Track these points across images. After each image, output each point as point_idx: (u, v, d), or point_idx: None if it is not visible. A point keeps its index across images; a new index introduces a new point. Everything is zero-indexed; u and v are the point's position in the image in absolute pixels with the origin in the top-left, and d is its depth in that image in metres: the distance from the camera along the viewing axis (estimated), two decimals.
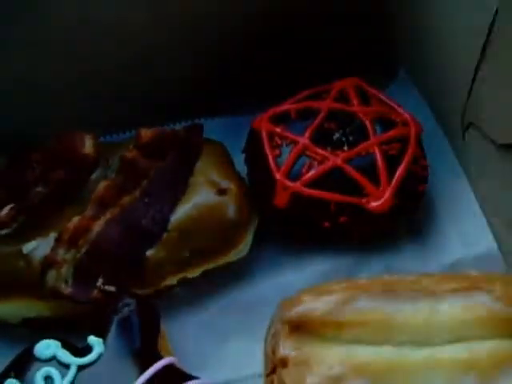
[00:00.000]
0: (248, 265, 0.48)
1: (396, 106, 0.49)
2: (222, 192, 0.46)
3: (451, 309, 0.41)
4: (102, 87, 0.49)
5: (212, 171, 0.47)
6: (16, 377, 0.39)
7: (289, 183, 0.45)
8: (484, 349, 0.40)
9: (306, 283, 0.45)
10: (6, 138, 0.46)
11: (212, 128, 0.51)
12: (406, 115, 0.49)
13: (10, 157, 0.47)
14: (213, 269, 0.46)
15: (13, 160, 0.46)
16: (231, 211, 0.46)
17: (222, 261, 0.46)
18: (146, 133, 0.46)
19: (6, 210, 0.43)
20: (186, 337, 0.45)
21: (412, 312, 0.41)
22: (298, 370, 0.40)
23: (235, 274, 0.48)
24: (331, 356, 0.40)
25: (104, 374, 0.40)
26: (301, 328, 0.41)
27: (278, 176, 0.46)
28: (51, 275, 0.43)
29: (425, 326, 0.41)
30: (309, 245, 0.48)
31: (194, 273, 0.46)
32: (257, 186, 0.48)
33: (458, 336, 0.40)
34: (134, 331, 0.42)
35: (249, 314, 0.46)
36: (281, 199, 0.46)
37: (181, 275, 0.45)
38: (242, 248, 0.47)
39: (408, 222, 0.49)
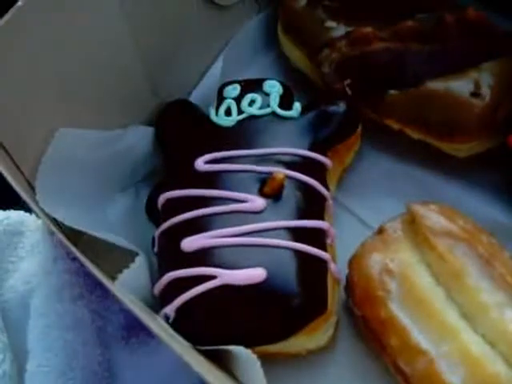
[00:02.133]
0: None
1: None
2: (475, 95, 0.48)
3: None
4: None
5: (490, 76, 0.49)
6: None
7: None
8: None
9: None
10: None
11: None
12: None
13: None
14: None
15: None
16: (467, 115, 0.48)
17: (437, 144, 0.50)
18: (472, 11, 0.50)
19: None
20: None
21: (486, 295, 0.41)
22: (375, 240, 0.45)
23: None
24: (402, 256, 0.44)
25: (266, 131, 0.49)
26: (414, 222, 0.45)
27: None
28: (325, 53, 0.52)
29: (481, 314, 0.41)
30: None
31: (413, 134, 0.51)
32: None
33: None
34: (324, 126, 0.49)
35: None
36: None
37: (401, 127, 0.51)
38: (460, 148, 0.50)
39: None
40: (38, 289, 0.45)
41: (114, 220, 0.50)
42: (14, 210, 0.47)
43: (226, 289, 0.42)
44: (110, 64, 0.47)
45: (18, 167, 0.41)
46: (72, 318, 0.44)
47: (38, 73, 0.42)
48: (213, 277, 0.42)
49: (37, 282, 0.45)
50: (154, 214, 0.50)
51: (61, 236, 0.39)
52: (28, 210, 0.48)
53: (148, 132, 0.51)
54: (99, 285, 0.46)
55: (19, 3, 0.38)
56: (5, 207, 0.47)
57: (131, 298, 0.40)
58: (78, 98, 0.46)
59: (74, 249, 0.38)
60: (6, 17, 0.38)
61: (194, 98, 0.55)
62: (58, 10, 0.42)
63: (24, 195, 0.38)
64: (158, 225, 0.49)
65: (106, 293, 0.46)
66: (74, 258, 0.46)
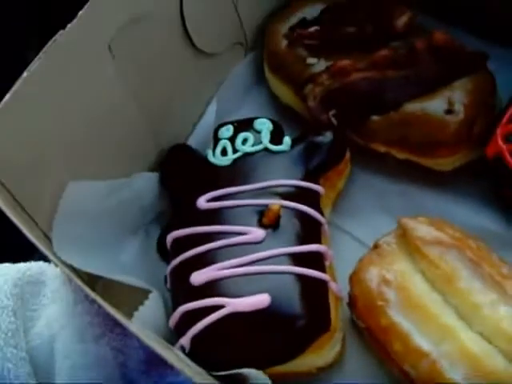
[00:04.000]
0: None
1: None
2: (449, 112, 0.52)
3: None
4: None
5: (462, 93, 0.52)
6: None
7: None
8: None
9: None
10: None
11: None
12: None
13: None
14: None
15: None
16: (444, 132, 0.52)
17: (421, 161, 0.54)
18: (440, 36, 0.53)
19: (314, 28, 0.57)
20: None
21: (478, 295, 0.44)
22: (372, 254, 0.48)
23: None
24: (398, 267, 0.46)
25: (261, 166, 0.52)
26: (405, 235, 0.48)
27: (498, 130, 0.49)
28: (309, 87, 0.55)
29: (476, 313, 0.43)
30: None
31: (398, 155, 0.54)
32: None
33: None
34: (314, 156, 0.52)
35: None
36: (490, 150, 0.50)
37: (387, 149, 0.54)
38: (443, 163, 0.53)
39: None
40: (60, 332, 0.47)
41: (127, 262, 0.53)
42: (34, 260, 0.51)
43: (235, 316, 0.45)
44: (114, 119, 0.51)
45: (33, 219, 0.45)
46: (95, 357, 0.47)
47: (49, 131, 0.46)
48: (221, 306, 0.45)
49: (59, 326, 0.48)
50: (166, 252, 0.53)
51: (78, 281, 0.42)
52: (47, 259, 0.51)
53: (153, 177, 0.55)
54: (119, 323, 0.49)
55: (24, 74, 0.42)
56: (25, 259, 0.51)
57: (147, 333, 0.43)
58: (88, 154, 0.49)
59: (90, 292, 0.41)
60: (21, 79, 0.42)
61: (192, 141, 0.58)
62: (63, 74, 0.46)
63: (41, 247, 0.41)
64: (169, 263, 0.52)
65: (125, 330, 0.49)
66: (93, 301, 0.49)
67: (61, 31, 0.44)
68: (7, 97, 0.42)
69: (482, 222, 0.52)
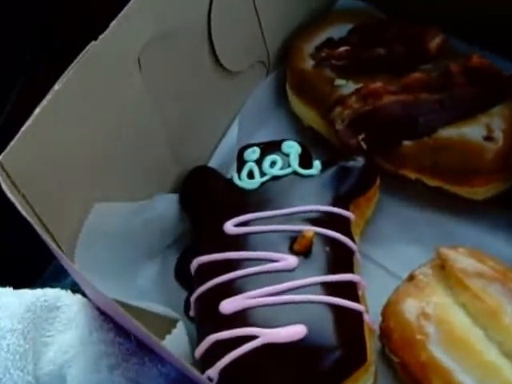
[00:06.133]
0: None
1: None
2: (488, 139, 0.50)
3: None
4: None
5: (500, 120, 0.51)
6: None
7: None
8: None
9: None
10: None
11: None
12: None
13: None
14: None
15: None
16: (482, 159, 0.50)
17: (454, 189, 0.52)
18: (477, 59, 0.52)
19: (343, 48, 0.56)
20: None
21: None
22: (408, 286, 0.46)
23: None
24: (437, 300, 0.45)
25: (290, 190, 0.50)
26: (444, 266, 0.46)
27: None
28: (337, 110, 0.54)
29: None
30: None
31: (430, 182, 0.53)
32: None
33: None
34: (345, 181, 0.51)
35: None
36: None
37: (417, 175, 0.53)
38: (477, 192, 0.51)
39: None
40: (75, 359, 0.45)
41: (145, 286, 0.51)
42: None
43: (269, 347, 0.43)
44: (138, 136, 0.49)
45: (57, 244, 0.42)
46: None
47: (73, 151, 0.44)
48: (255, 337, 0.43)
49: (74, 353, 0.45)
50: (184, 279, 0.51)
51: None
52: (64, 287, 0.49)
53: (173, 199, 0.53)
54: (134, 353, 0.46)
55: (56, 87, 0.40)
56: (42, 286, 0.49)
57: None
58: (111, 172, 0.47)
59: (121, 310, 0.38)
60: (52, 92, 0.40)
61: (214, 161, 0.56)
62: (89, 91, 0.44)
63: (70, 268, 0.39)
64: (188, 289, 0.50)
65: (142, 360, 0.47)
66: (109, 330, 0.47)
67: (92, 42, 0.42)
68: (37, 110, 0.39)
69: None
